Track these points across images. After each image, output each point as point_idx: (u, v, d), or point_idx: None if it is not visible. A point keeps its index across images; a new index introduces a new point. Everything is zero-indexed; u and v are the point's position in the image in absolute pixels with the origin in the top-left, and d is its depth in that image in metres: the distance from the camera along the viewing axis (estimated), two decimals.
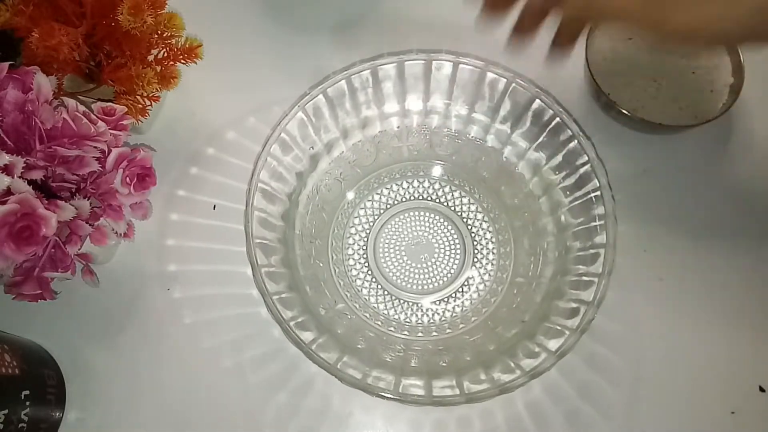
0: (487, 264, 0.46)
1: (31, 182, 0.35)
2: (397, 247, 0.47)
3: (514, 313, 0.43)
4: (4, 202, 0.33)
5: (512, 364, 0.38)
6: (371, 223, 0.47)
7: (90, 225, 0.37)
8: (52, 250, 0.37)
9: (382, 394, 0.36)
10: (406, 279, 0.46)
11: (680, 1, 0.31)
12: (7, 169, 0.34)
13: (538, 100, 0.42)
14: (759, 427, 0.42)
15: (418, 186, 0.48)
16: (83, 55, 0.41)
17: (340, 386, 0.37)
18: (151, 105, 0.44)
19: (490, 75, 0.42)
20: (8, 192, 0.33)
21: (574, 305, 0.39)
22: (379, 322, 0.44)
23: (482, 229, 0.47)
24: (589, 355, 0.43)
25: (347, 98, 0.44)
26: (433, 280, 0.46)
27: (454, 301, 0.45)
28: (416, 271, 0.46)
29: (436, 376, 0.38)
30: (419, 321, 0.45)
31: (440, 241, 0.47)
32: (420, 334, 0.44)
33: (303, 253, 0.44)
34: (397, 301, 0.45)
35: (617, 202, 0.40)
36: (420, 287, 0.46)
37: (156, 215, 0.42)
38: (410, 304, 0.45)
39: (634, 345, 0.43)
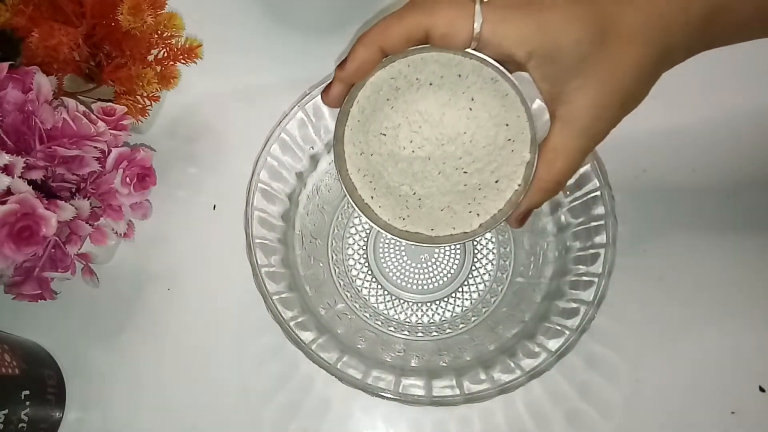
0: (487, 264, 0.46)
1: (31, 182, 0.35)
2: (397, 247, 0.47)
3: (514, 313, 0.43)
4: (4, 202, 0.33)
5: (512, 364, 0.38)
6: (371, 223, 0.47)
7: (90, 225, 0.37)
8: (52, 250, 0.37)
9: (382, 394, 0.36)
10: (406, 279, 0.46)
11: None
12: (7, 169, 0.34)
13: (537, 100, 0.42)
14: (759, 427, 0.42)
15: None
16: (83, 55, 0.41)
17: (340, 386, 0.37)
18: (151, 105, 0.44)
19: None
20: (8, 192, 0.33)
21: (574, 305, 0.39)
22: (379, 322, 0.44)
23: None
24: (589, 355, 0.43)
25: None
26: (433, 280, 0.46)
27: (454, 301, 0.45)
28: (416, 271, 0.46)
29: (436, 376, 0.38)
30: (419, 321, 0.45)
31: None
32: (420, 334, 0.44)
33: (303, 253, 0.44)
34: (397, 301, 0.45)
35: (617, 202, 0.40)
36: (420, 287, 0.46)
37: (156, 215, 0.42)
38: (410, 304, 0.45)
39: (634, 345, 0.43)
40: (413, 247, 0.46)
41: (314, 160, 0.45)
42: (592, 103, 0.28)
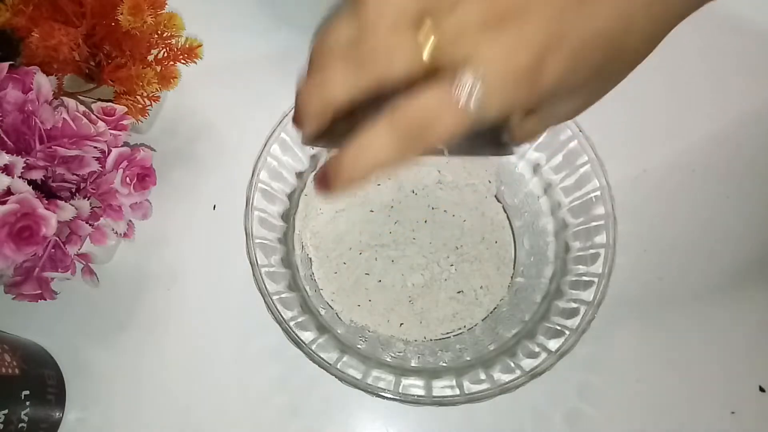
0: None
1: (31, 182, 0.35)
2: None
3: (514, 313, 0.43)
4: (4, 202, 0.33)
5: (512, 364, 0.38)
6: None
7: (90, 225, 0.37)
8: (52, 250, 0.37)
9: (382, 394, 0.36)
10: None
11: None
12: (7, 169, 0.34)
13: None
14: (759, 427, 0.42)
15: None
16: (83, 55, 0.41)
17: (340, 386, 0.37)
18: (151, 105, 0.44)
19: None
20: (8, 192, 0.33)
21: (574, 305, 0.39)
22: None
23: None
24: (589, 355, 0.43)
25: None
26: None
27: None
28: None
29: (436, 376, 0.38)
30: None
31: None
32: None
33: (303, 254, 0.44)
34: None
35: (617, 202, 0.40)
36: None
37: (156, 215, 0.42)
38: None
39: (634, 345, 0.43)
40: None
41: (314, 160, 0.45)
42: None
